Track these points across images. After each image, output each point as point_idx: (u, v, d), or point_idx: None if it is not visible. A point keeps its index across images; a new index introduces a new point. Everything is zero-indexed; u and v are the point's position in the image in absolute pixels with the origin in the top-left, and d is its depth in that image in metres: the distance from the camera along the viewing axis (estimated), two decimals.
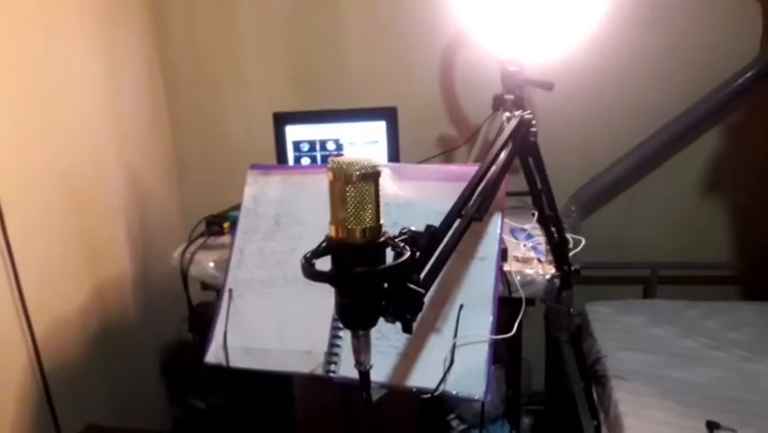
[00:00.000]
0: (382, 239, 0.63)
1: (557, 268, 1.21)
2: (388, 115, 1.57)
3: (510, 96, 1.43)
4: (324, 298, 1.05)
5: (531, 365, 1.90)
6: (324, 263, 0.65)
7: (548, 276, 1.23)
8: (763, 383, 1.45)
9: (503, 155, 0.89)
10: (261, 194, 1.25)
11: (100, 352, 1.63)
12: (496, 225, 1.07)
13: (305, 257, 0.65)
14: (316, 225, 1.18)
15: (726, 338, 1.65)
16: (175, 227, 1.97)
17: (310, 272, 0.63)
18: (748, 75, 1.65)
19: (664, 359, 1.57)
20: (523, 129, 0.93)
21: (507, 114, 1.42)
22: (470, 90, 1.79)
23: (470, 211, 0.83)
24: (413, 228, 0.71)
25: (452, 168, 1.17)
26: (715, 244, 1.89)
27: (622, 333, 1.70)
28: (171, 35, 1.90)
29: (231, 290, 1.19)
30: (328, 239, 0.65)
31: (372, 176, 0.62)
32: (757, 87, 1.68)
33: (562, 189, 1.77)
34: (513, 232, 1.40)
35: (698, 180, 1.85)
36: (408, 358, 1.04)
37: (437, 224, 1.09)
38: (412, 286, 0.65)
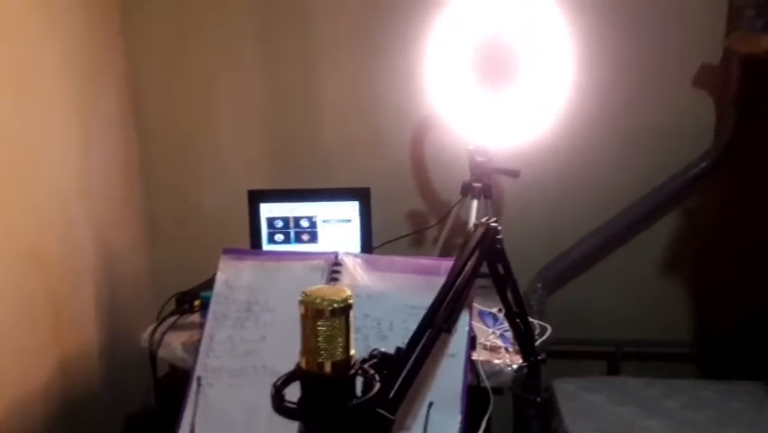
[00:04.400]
0: (352, 371, 0.65)
1: (524, 359, 1.24)
2: (362, 195, 1.61)
3: (478, 184, 1.48)
4: (295, 393, 1.07)
5: None
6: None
7: (515, 366, 1.25)
8: None
9: (470, 264, 0.93)
10: (233, 279, 1.26)
11: (63, 428, 1.59)
12: (464, 321, 1.10)
13: (274, 386, 0.66)
14: (287, 312, 1.19)
15: (686, 420, 1.68)
16: (144, 298, 1.95)
17: (279, 407, 0.64)
18: (702, 165, 1.75)
19: None
20: (489, 237, 0.97)
21: (476, 202, 1.47)
22: (441, 168, 1.85)
23: (440, 322, 0.85)
24: (382, 350, 0.73)
25: (422, 261, 1.21)
26: (676, 323, 1.95)
27: (587, 412, 1.72)
28: (147, 108, 1.92)
29: (200, 378, 1.19)
30: (298, 368, 0.66)
31: (344, 310, 0.65)
32: (710, 175, 1.77)
33: (527, 266, 1.82)
34: (481, 316, 1.43)
35: (658, 260, 1.91)
36: None
37: (406, 318, 1.12)
38: (381, 411, 0.67)
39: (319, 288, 0.66)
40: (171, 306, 1.50)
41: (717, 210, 1.86)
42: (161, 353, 1.37)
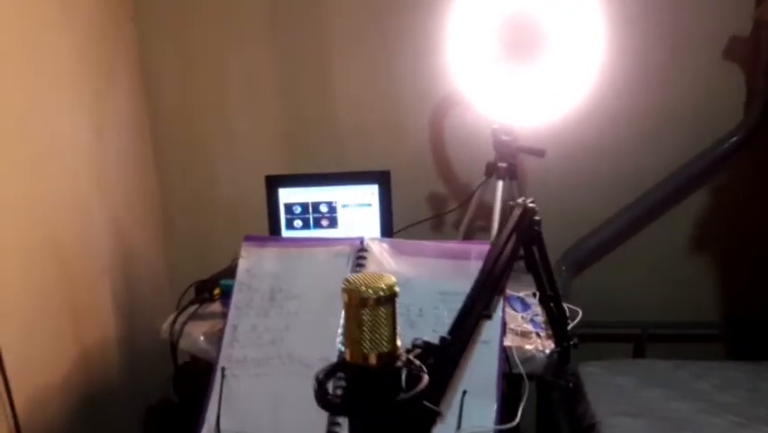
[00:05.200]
0: (399, 363, 0.61)
1: (557, 344, 1.20)
2: (382, 178, 1.56)
3: (503, 164, 1.43)
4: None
5: None
6: None
7: (547, 351, 1.22)
8: None
9: (508, 247, 0.88)
10: (256, 267, 1.23)
11: (82, 421, 1.57)
12: (498, 307, 1.06)
13: (317, 379, 0.62)
14: (312, 300, 1.16)
15: (717, 402, 1.64)
16: (161, 288, 1.93)
17: (323, 401, 0.60)
18: (733, 140, 1.69)
19: (659, 425, 1.56)
20: (527, 219, 0.92)
21: (501, 183, 1.43)
22: (462, 148, 1.80)
23: (480, 308, 0.81)
24: (425, 339, 0.69)
25: (452, 246, 1.17)
26: (703, 303, 1.90)
27: (614, 396, 1.68)
28: (160, 94, 1.88)
29: (224, 369, 1.15)
30: (342, 360, 0.62)
31: (389, 299, 0.61)
32: (740, 151, 1.71)
33: (551, 249, 1.76)
34: (510, 300, 1.39)
35: (685, 240, 1.87)
36: None
37: (437, 304, 1.08)
38: (428, 405, 0.64)
39: (363, 274, 0.61)
40: (190, 295, 1.46)
41: (745, 188, 1.80)
42: (182, 344, 1.33)
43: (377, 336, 0.60)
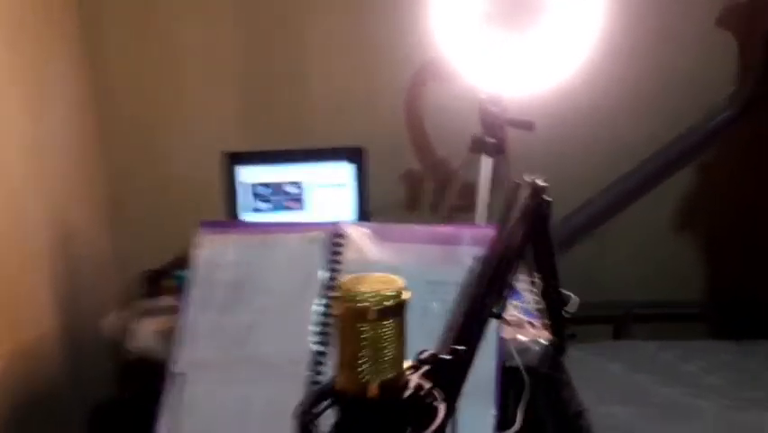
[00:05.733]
0: (408, 392, 0.48)
1: (554, 334, 1.09)
2: (356, 156, 1.42)
3: (492, 140, 1.31)
4: (297, 385, 0.90)
5: None
6: None
7: (544, 342, 1.11)
8: None
9: (517, 233, 0.76)
10: (216, 257, 1.07)
11: (20, 420, 1.41)
12: None
13: (302, 411, 0.48)
14: (284, 294, 1.02)
15: (706, 384, 1.59)
16: (108, 279, 1.74)
17: None
18: (725, 114, 1.61)
19: (649, 412, 1.49)
20: (537, 200, 0.80)
21: (489, 159, 1.30)
22: (441, 123, 1.67)
23: (488, 307, 0.69)
24: (431, 352, 0.56)
25: (441, 230, 1.03)
26: (687, 283, 1.85)
27: (600, 381, 1.61)
28: (106, 63, 1.66)
29: (181, 376, 1.00)
30: (332, 387, 0.49)
31: (397, 309, 0.47)
32: (731, 127, 1.64)
33: None
34: None
35: (670, 219, 1.80)
36: None
37: (426, 297, 0.95)
38: None
39: (361, 276, 0.47)
40: (140, 287, 1.30)
41: (733, 165, 1.75)
42: (131, 343, 1.18)
43: (380, 358, 0.46)
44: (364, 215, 1.44)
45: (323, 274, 1.00)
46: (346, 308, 0.46)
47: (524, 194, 0.77)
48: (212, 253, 1.07)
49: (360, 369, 0.46)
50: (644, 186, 1.73)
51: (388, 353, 0.46)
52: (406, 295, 0.47)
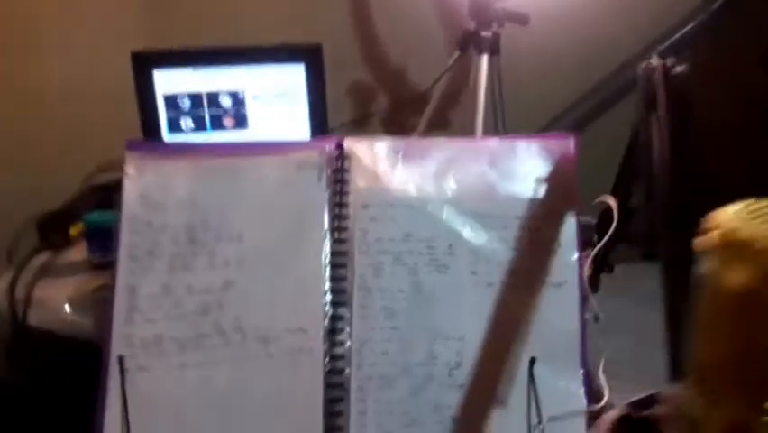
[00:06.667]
0: None
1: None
2: (310, 56, 1.11)
3: (487, 34, 1.06)
4: (293, 363, 0.66)
5: None
6: None
7: None
8: None
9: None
10: (157, 192, 0.76)
11: None
12: (570, 229, 0.73)
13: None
14: (264, 239, 0.74)
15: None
16: None
17: None
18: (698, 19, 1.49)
19: None
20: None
21: (485, 58, 1.06)
22: (393, 21, 1.38)
23: None
24: None
25: (491, 142, 0.78)
26: None
27: None
28: None
29: (122, 359, 0.71)
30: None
31: None
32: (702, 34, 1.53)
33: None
34: None
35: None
36: None
37: (474, 234, 0.73)
38: None
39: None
40: (31, 240, 0.94)
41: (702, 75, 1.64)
42: (34, 317, 0.85)
43: None
44: (321, 131, 1.15)
45: (321, 214, 0.73)
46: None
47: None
48: (149, 185, 0.76)
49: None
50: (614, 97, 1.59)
51: None
52: None
